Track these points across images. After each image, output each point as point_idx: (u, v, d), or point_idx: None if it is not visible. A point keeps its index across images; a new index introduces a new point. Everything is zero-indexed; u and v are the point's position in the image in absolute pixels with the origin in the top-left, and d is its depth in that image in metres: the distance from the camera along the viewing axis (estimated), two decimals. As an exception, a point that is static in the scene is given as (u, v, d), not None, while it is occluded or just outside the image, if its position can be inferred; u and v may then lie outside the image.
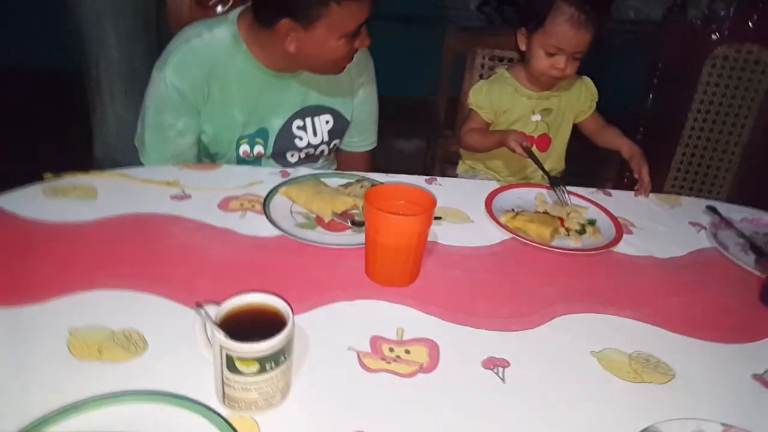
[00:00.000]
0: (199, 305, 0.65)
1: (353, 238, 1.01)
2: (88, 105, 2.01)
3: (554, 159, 1.47)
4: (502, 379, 0.74)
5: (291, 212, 1.08)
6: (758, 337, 0.87)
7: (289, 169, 1.23)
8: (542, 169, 1.25)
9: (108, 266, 0.88)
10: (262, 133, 1.27)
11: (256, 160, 1.30)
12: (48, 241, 0.93)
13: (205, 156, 1.31)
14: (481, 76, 1.68)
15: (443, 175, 1.60)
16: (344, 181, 1.20)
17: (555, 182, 1.21)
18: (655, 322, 0.87)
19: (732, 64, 1.75)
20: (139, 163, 1.27)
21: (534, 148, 1.31)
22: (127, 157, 1.35)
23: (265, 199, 1.08)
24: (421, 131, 1.80)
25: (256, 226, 1.01)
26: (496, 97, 1.40)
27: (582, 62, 1.32)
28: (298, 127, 1.29)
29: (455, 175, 1.58)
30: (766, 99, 1.76)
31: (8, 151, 2.46)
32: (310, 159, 1.37)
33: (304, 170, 1.23)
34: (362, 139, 1.44)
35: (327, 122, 1.32)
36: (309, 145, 1.32)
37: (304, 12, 1.07)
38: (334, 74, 1.22)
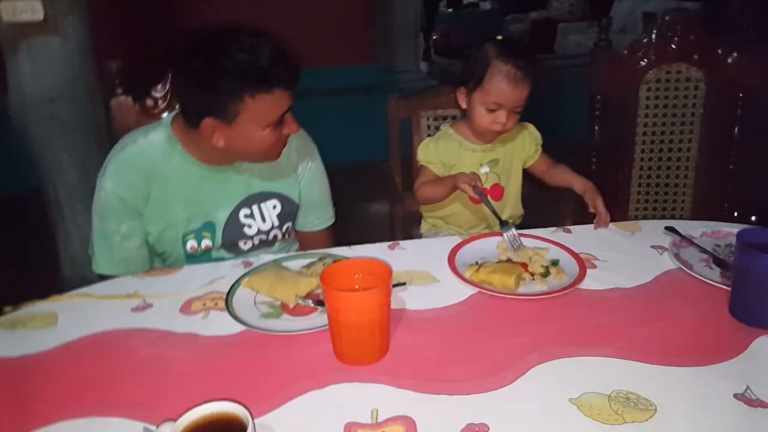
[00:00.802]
0: (147, 430, 0.62)
1: (320, 319, 0.99)
2: (49, 225, 2.01)
3: (511, 206, 1.50)
4: (483, 446, 0.71)
5: (255, 303, 1.07)
6: (735, 353, 0.86)
7: (251, 258, 1.22)
8: (494, 212, 1.26)
9: (69, 396, 0.85)
10: (209, 227, 1.28)
11: (205, 254, 1.29)
12: (8, 379, 0.90)
13: (155, 256, 1.31)
14: (428, 136, 1.72)
15: (408, 235, 1.61)
16: (306, 261, 1.19)
17: (503, 226, 1.22)
18: (630, 356, 0.86)
19: (665, 85, 1.82)
20: (104, 279, 1.26)
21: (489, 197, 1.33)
22: (95, 274, 1.34)
23: (227, 295, 1.07)
24: (382, 194, 1.82)
25: (219, 324, 1.00)
26: (443, 152, 1.43)
27: (525, 109, 1.36)
28: (246, 216, 1.30)
29: (420, 235, 1.59)
30: (705, 112, 1.82)
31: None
32: (264, 244, 1.36)
33: (265, 257, 1.23)
34: (317, 217, 1.45)
35: (274, 207, 1.33)
36: (259, 231, 1.33)
37: (223, 109, 1.10)
38: (272, 161, 1.24)
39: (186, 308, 1.06)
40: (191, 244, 1.27)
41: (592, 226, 1.30)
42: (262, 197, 1.32)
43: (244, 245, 1.33)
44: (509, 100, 1.31)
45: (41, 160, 1.99)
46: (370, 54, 4.35)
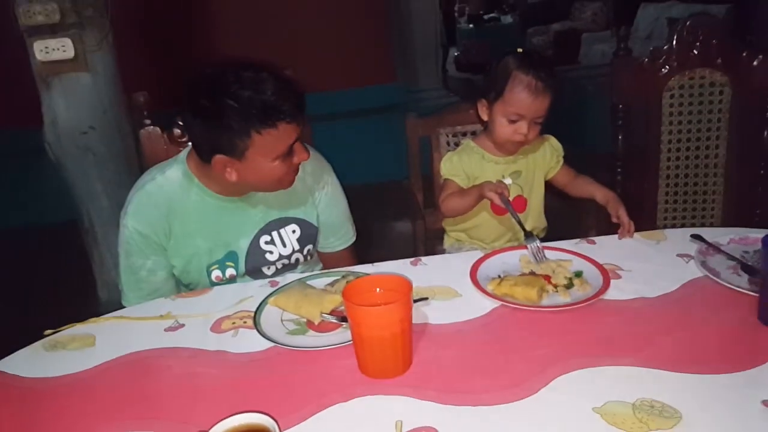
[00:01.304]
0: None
1: (344, 335, 1.01)
2: (85, 253, 2.09)
3: (534, 218, 1.50)
4: (506, 456, 0.72)
5: (282, 321, 1.09)
6: (763, 360, 0.85)
7: (277, 278, 1.25)
8: (518, 221, 1.25)
9: (108, 412, 0.89)
10: (231, 257, 1.31)
11: (230, 281, 1.32)
12: (50, 397, 0.94)
13: (183, 286, 1.35)
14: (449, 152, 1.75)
15: (431, 252, 1.62)
16: (330, 279, 1.22)
17: (528, 238, 1.22)
18: (654, 364, 0.86)
19: (689, 91, 1.80)
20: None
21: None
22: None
23: (255, 313, 1.10)
24: (404, 213, 1.83)
25: (248, 342, 1.03)
26: (467, 165, 1.45)
27: (550, 119, 1.37)
28: (266, 242, 1.33)
29: (443, 251, 1.60)
30: (732, 117, 1.79)
31: (13, 307, 2.52)
32: (287, 268, 1.39)
33: (291, 276, 1.26)
34: (338, 237, 1.47)
35: (294, 231, 1.35)
36: (281, 256, 1.35)
37: (232, 146, 1.12)
38: (285, 189, 1.25)
39: (216, 327, 1.09)
40: (216, 274, 1.30)
41: (616, 236, 1.30)
42: (281, 223, 1.34)
43: (268, 270, 1.36)
44: (530, 111, 1.33)
45: (76, 190, 2.08)
46: (390, 74, 4.38)
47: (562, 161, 1.51)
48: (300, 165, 1.23)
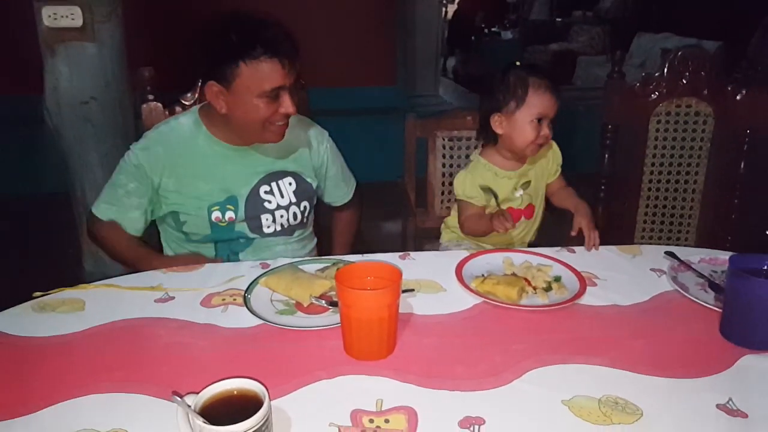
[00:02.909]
0: (176, 394, 0.69)
1: (332, 318, 1.05)
2: (74, 224, 2.10)
3: (538, 221, 1.61)
4: (478, 437, 0.77)
5: (271, 301, 1.13)
6: (721, 369, 0.91)
7: (268, 261, 1.29)
8: None
9: (97, 373, 0.91)
10: (232, 200, 1.40)
11: (229, 225, 1.41)
12: (39, 356, 0.97)
13: (178, 231, 1.43)
14: (443, 156, 1.81)
15: (420, 250, 1.67)
16: (321, 265, 1.26)
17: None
18: (622, 365, 0.91)
19: (675, 118, 1.88)
20: (128, 273, 1.33)
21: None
22: (116, 268, 1.42)
23: (245, 292, 1.14)
24: (395, 212, 1.89)
25: (237, 318, 1.06)
26: (481, 182, 1.51)
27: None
28: (266, 192, 1.43)
29: (437, 246, 1.67)
30: (713, 146, 1.87)
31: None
32: (285, 231, 1.47)
33: (282, 261, 1.29)
34: (347, 183, 1.65)
35: (290, 184, 1.46)
36: (279, 206, 1.44)
37: (223, 74, 1.25)
38: (275, 141, 1.37)
39: (206, 302, 1.12)
40: (216, 214, 1.39)
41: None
42: (280, 175, 1.45)
43: (266, 221, 1.43)
44: (552, 110, 1.44)
45: (71, 159, 2.09)
46: (392, 78, 4.48)
47: (560, 169, 1.61)
48: (304, 128, 1.45)
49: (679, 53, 1.83)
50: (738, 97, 1.81)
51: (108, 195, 1.42)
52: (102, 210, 1.41)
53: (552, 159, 1.60)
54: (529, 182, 1.55)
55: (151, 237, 1.48)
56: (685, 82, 1.84)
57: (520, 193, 1.54)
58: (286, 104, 1.30)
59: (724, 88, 1.83)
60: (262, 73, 1.25)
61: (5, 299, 1.12)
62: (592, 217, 1.41)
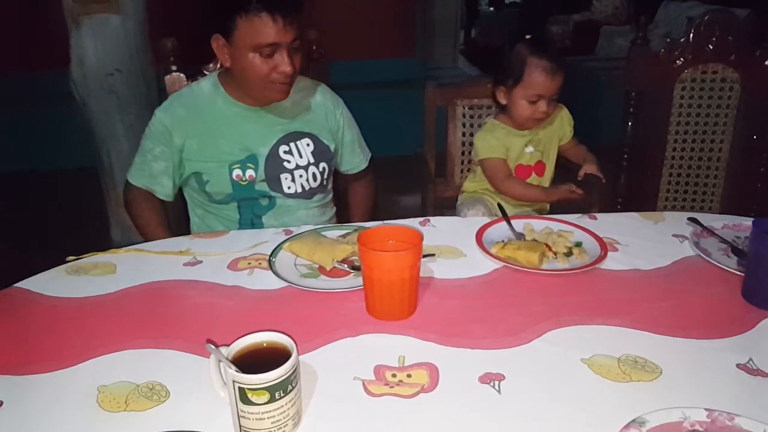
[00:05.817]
0: (211, 342, 0.72)
1: (354, 281, 1.08)
2: (103, 196, 2.14)
3: (548, 180, 1.67)
4: (498, 391, 0.79)
5: (295, 265, 1.16)
6: (742, 330, 0.91)
7: (291, 228, 1.32)
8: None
9: (130, 330, 0.95)
10: (252, 159, 1.44)
11: (250, 183, 1.44)
12: (75, 314, 1.01)
13: (201, 191, 1.46)
14: (463, 126, 1.80)
15: (438, 218, 1.68)
16: (342, 231, 1.28)
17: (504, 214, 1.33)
18: (642, 327, 0.92)
19: (700, 84, 1.85)
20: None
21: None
22: (142, 239, 1.46)
23: (270, 256, 1.17)
24: (414, 186, 1.90)
25: (263, 281, 1.09)
26: (499, 140, 1.59)
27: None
28: (285, 152, 1.46)
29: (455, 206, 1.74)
30: (739, 113, 1.84)
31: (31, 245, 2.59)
32: (305, 194, 1.50)
33: (305, 227, 1.32)
34: (363, 150, 1.67)
35: (308, 145, 1.49)
36: (297, 166, 1.47)
37: (225, 26, 1.30)
38: (279, 99, 1.41)
39: (233, 266, 1.16)
40: (237, 172, 1.43)
41: (617, 214, 1.36)
42: (298, 135, 1.49)
43: (285, 180, 1.47)
44: (548, 91, 1.49)
45: (97, 130, 2.13)
46: (410, 49, 4.43)
47: (572, 130, 1.68)
48: (320, 92, 1.52)
49: (706, 17, 1.80)
50: (767, 63, 1.77)
51: (139, 161, 1.48)
52: (135, 176, 1.48)
53: (565, 121, 1.67)
54: (540, 140, 1.63)
55: (176, 212, 1.52)
56: (711, 47, 1.81)
57: (530, 149, 1.61)
58: (284, 63, 1.31)
59: (753, 54, 1.79)
60: (256, 28, 1.27)
61: (39, 266, 1.16)
62: (598, 164, 1.54)
